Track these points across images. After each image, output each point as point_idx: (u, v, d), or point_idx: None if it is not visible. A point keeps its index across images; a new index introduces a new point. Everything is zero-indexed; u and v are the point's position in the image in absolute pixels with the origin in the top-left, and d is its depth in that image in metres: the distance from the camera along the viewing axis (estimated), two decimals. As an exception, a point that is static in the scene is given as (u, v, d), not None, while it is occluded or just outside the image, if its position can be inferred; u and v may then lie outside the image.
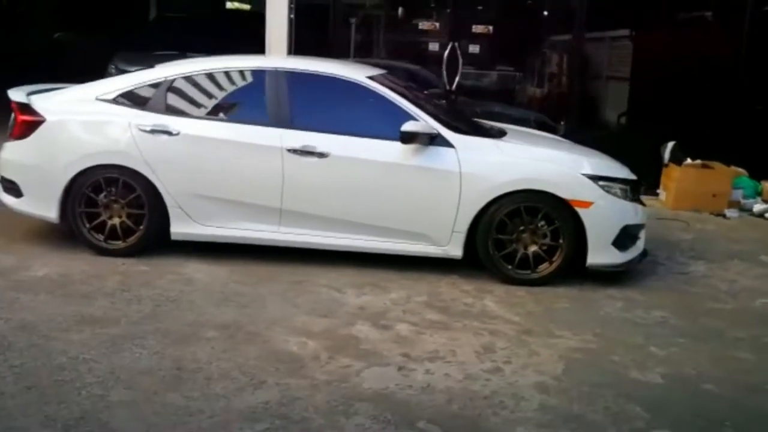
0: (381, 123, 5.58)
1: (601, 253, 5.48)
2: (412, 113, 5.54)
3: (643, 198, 6.08)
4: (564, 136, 7.60)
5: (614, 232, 5.48)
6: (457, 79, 9.10)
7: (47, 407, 3.52)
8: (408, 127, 5.40)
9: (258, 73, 5.88)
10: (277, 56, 8.23)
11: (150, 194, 5.57)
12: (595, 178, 5.50)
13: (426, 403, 3.76)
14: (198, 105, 5.84)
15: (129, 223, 5.64)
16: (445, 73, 9.09)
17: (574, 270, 5.53)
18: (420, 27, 9.58)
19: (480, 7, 9.94)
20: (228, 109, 5.95)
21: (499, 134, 5.93)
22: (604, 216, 5.47)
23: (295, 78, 5.77)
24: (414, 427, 3.54)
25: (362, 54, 9.57)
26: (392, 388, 3.88)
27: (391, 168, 5.49)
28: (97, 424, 3.41)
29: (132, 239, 5.64)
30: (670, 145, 8.51)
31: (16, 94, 5.79)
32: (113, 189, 5.61)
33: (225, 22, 11.96)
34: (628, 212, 5.60)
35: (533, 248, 5.50)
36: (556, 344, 4.54)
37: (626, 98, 9.59)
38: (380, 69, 6.52)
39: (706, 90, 8.93)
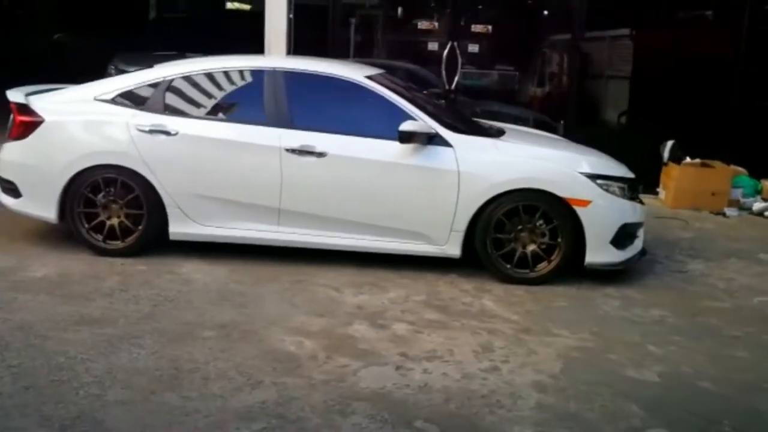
0: (379, 122, 5.58)
1: (599, 252, 5.48)
2: (410, 113, 5.55)
3: (643, 197, 6.08)
4: (563, 135, 7.60)
5: (612, 230, 5.49)
6: (456, 78, 9.10)
7: (44, 407, 3.53)
8: (406, 126, 5.40)
9: (256, 73, 5.88)
10: (275, 56, 8.23)
11: (148, 194, 5.58)
12: (593, 177, 5.50)
13: (423, 403, 3.76)
14: (196, 105, 5.84)
15: (128, 223, 5.65)
16: (444, 72, 9.09)
17: (573, 269, 5.53)
18: (419, 27, 9.57)
19: (480, 7, 9.93)
20: (226, 109, 5.96)
21: (498, 133, 5.93)
22: (602, 215, 5.47)
23: (294, 78, 5.78)
24: (411, 426, 3.55)
25: (362, 54, 9.57)
26: (389, 388, 3.89)
27: (390, 167, 5.49)
28: (92, 424, 3.42)
29: (131, 239, 5.65)
30: (669, 143, 8.51)
31: (15, 95, 5.80)
32: (112, 189, 5.61)
33: (225, 22, 11.97)
34: (626, 211, 5.60)
35: (532, 247, 5.50)
36: (554, 343, 4.55)
37: (627, 97, 9.59)
38: (379, 69, 6.52)
39: (705, 89, 8.92)
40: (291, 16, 8.96)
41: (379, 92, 5.67)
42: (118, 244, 5.65)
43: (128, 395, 3.67)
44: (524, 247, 5.50)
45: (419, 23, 9.58)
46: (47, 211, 5.66)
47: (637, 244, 5.73)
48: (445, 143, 5.48)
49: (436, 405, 3.75)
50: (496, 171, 5.46)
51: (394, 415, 3.62)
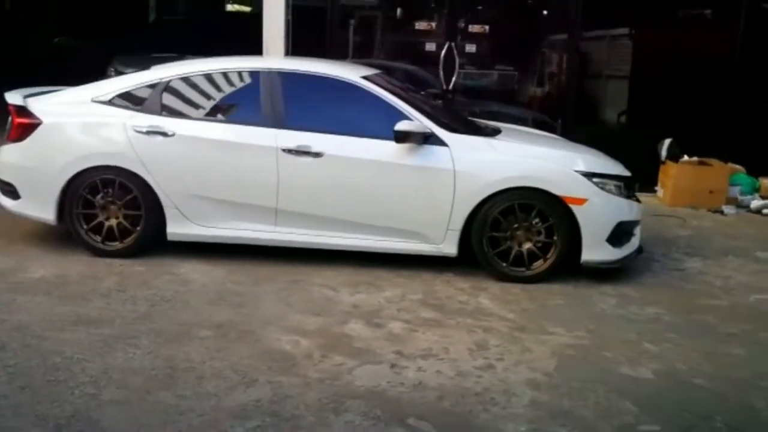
0: (375, 122, 5.60)
1: (595, 250, 5.49)
2: (406, 113, 5.56)
3: (641, 195, 6.09)
4: (562, 134, 7.61)
5: (609, 228, 5.50)
6: (453, 78, 9.11)
7: (39, 406, 3.55)
8: (402, 126, 5.42)
9: (253, 74, 5.89)
10: (272, 57, 8.25)
11: (146, 195, 5.61)
12: (589, 175, 5.51)
13: (417, 400, 3.78)
14: (193, 106, 5.86)
15: (126, 224, 5.67)
16: (442, 73, 9.10)
17: (569, 267, 5.54)
18: (417, 27, 9.58)
19: (479, 7, 9.94)
20: (223, 109, 5.99)
21: (493, 133, 5.95)
22: (598, 213, 5.48)
23: (290, 78, 5.80)
24: (404, 423, 3.56)
25: (360, 55, 9.58)
26: (384, 386, 3.90)
27: (386, 167, 5.51)
28: (87, 423, 3.44)
29: (129, 240, 5.67)
30: (667, 142, 8.51)
31: (13, 97, 5.82)
32: (110, 190, 5.64)
33: (224, 24, 11.99)
34: (622, 209, 5.61)
35: (528, 245, 5.51)
36: (549, 341, 4.56)
37: (625, 96, 9.60)
38: (375, 69, 6.54)
39: (704, 88, 8.93)
40: (289, 17, 8.97)
41: (374, 92, 5.68)
42: (116, 245, 5.68)
43: (123, 395, 3.69)
44: (520, 245, 5.51)
45: (417, 24, 9.59)
46: (46, 212, 5.69)
47: (634, 242, 5.74)
48: (440, 143, 5.50)
49: (429, 402, 3.76)
50: (491, 170, 5.47)
51: (387, 412, 3.63)
